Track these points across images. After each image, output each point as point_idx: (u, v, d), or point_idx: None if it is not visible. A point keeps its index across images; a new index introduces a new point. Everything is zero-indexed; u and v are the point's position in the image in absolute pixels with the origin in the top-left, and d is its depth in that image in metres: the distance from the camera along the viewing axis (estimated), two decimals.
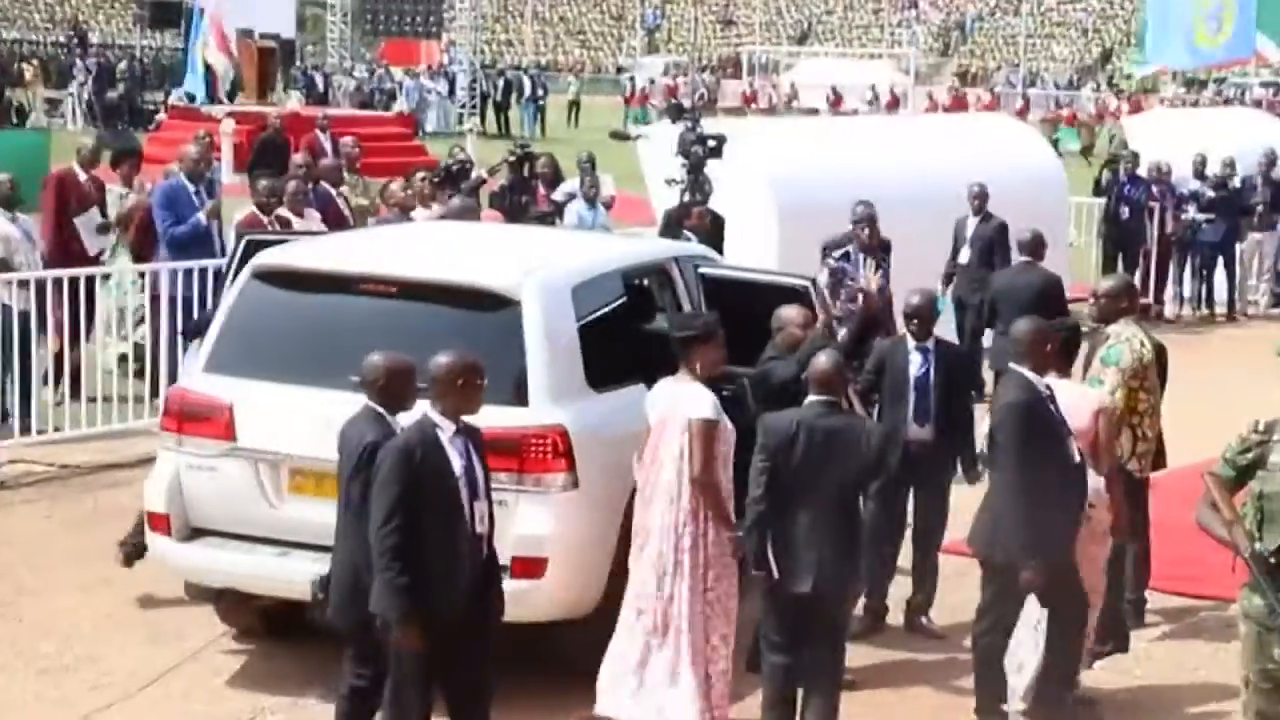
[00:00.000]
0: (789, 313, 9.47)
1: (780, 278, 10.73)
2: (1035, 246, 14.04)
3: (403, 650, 7.12)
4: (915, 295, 10.09)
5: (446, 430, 7.21)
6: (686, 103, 35.52)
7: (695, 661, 8.21)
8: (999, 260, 15.70)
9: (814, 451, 7.76)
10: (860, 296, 11.89)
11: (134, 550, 9.90)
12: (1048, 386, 8.31)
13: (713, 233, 14.69)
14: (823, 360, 8.01)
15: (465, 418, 7.28)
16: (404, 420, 7.44)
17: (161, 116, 41.35)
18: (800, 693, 7.92)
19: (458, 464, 7.18)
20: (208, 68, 38.14)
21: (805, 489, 7.77)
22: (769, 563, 7.77)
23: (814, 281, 10.34)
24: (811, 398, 7.93)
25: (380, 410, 7.52)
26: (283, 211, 14.02)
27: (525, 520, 8.25)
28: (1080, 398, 8.82)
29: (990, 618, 8.41)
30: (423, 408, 7.34)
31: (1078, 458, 8.30)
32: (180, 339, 13.15)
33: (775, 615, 7.92)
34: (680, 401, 8.26)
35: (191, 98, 38.74)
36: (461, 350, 7.37)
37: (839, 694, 7.98)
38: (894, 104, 58.18)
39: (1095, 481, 8.57)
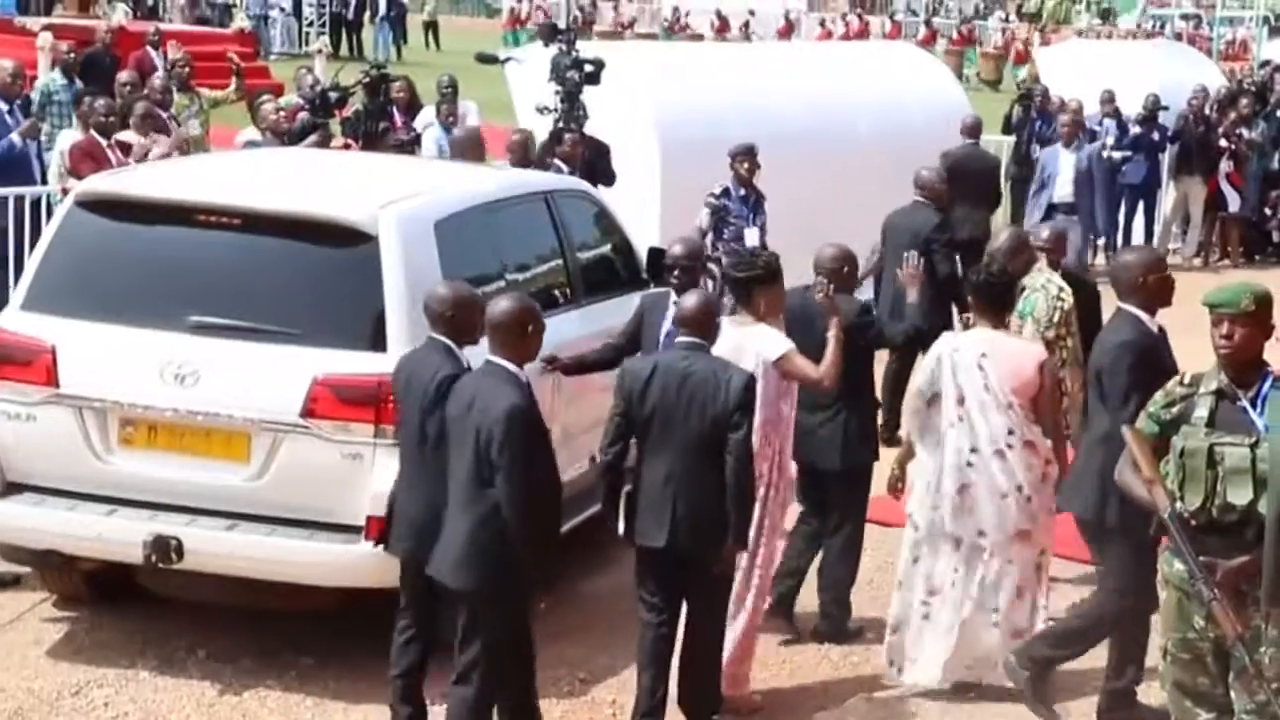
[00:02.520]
0: (833, 250, 9.43)
1: None
2: (938, 186, 13.73)
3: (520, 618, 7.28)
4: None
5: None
6: (561, 23, 35.23)
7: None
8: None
9: (668, 398, 7.77)
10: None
11: None
12: (1160, 328, 8.26)
13: (592, 162, 14.68)
14: (691, 298, 8.06)
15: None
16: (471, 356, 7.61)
17: None
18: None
19: None
20: None
21: (660, 438, 7.80)
22: (617, 515, 7.88)
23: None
24: (679, 339, 7.98)
25: (449, 344, 7.65)
26: (126, 136, 13.84)
27: (384, 475, 8.15)
28: (1020, 351, 8.86)
29: (1125, 589, 8.29)
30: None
31: None
32: None
33: (639, 571, 8.03)
34: (746, 344, 8.29)
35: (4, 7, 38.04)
36: (519, 295, 7.64)
37: (719, 657, 8.10)
38: (787, 31, 57.97)
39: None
